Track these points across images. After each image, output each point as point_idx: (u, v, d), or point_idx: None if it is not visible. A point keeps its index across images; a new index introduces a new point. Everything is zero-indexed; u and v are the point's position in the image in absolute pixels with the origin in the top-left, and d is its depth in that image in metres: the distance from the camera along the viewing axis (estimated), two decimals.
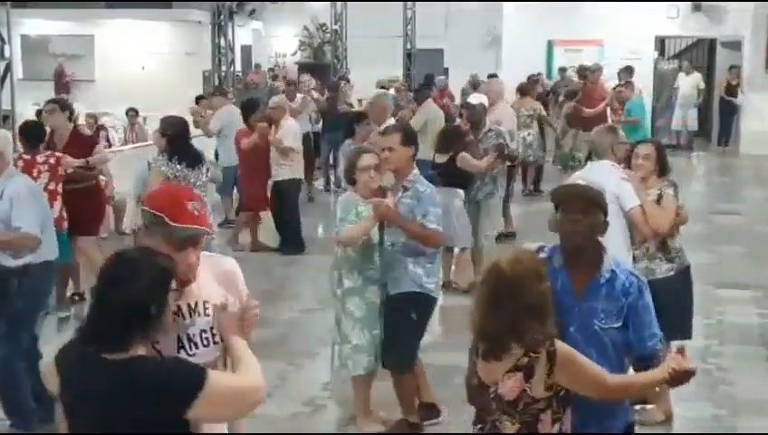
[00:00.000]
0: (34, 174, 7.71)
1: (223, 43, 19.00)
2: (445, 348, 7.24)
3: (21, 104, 16.31)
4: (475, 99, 9.74)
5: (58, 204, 7.91)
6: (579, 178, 5.75)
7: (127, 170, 12.21)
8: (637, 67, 18.95)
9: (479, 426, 3.56)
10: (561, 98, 16.80)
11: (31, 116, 17.95)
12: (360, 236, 5.64)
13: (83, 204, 8.51)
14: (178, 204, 3.18)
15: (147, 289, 2.92)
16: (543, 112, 14.22)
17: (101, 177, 8.91)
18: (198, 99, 15.42)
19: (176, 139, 7.59)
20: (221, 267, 3.44)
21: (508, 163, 10.20)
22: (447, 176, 8.99)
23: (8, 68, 14.13)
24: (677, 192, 6.10)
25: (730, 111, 20.35)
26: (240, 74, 21.52)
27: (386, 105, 9.88)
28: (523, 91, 14.44)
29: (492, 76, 16.57)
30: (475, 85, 14.58)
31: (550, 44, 21.23)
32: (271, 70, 24.54)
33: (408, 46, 21.53)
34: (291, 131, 10.98)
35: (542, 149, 14.52)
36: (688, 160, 19.89)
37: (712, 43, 22.17)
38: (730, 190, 15.90)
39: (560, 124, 15.13)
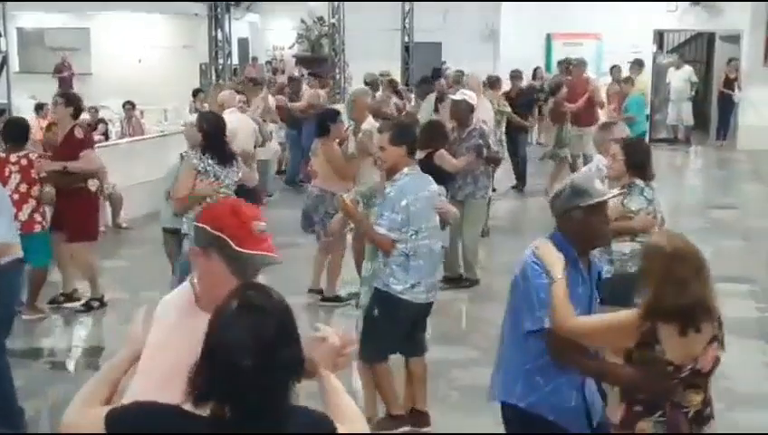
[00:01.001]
0: (6, 174, 7.68)
1: (220, 36, 18.93)
2: (439, 342, 7.23)
3: (17, 98, 16.24)
4: (460, 95, 9.55)
5: (29, 206, 7.79)
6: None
7: (123, 164, 12.22)
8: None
9: (658, 414, 3.62)
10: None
11: (28, 109, 17.93)
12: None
13: (71, 209, 8.34)
14: (243, 224, 2.80)
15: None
16: (508, 109, 14.16)
17: (92, 181, 8.52)
18: (196, 92, 15.41)
19: (211, 134, 7.42)
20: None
21: (492, 165, 9.77)
22: (426, 172, 8.91)
23: (4, 61, 14.06)
24: (635, 195, 5.81)
25: (728, 106, 20.35)
26: (237, 67, 21.47)
27: (365, 104, 9.33)
28: (491, 84, 14.44)
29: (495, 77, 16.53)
30: (457, 81, 14.39)
31: (548, 38, 21.21)
32: (268, 63, 24.50)
33: (406, 40, 21.48)
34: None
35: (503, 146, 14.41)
36: (686, 155, 19.90)
37: (711, 37, 22.17)
38: (727, 185, 15.88)
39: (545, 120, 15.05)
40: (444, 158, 8.59)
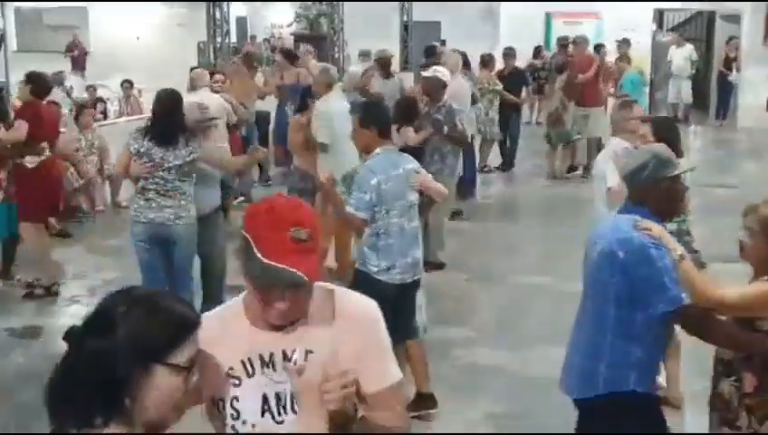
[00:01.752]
0: None
1: (218, 14, 18.88)
2: (438, 323, 7.25)
3: (15, 76, 16.20)
4: (432, 71, 9.50)
5: None
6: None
7: (121, 143, 12.17)
8: (635, 40, 18.93)
9: None
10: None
11: (26, 88, 17.88)
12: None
13: (27, 186, 8.24)
14: (276, 227, 2.32)
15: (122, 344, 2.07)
16: (499, 87, 14.14)
17: (32, 157, 8.25)
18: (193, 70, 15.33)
19: (155, 112, 6.92)
20: (352, 310, 2.54)
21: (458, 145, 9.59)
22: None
23: (2, 39, 14.03)
24: None
25: (728, 85, 20.32)
26: (236, 46, 21.40)
27: (325, 81, 9.17)
28: (484, 63, 14.39)
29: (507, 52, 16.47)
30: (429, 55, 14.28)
31: (548, 17, 21.14)
32: (266, 41, 24.42)
33: (405, 18, 21.38)
34: None
35: (495, 124, 14.36)
36: (685, 133, 19.88)
37: (711, 16, 22.09)
38: (727, 164, 15.87)
39: (557, 99, 14.80)
40: (404, 133, 8.65)
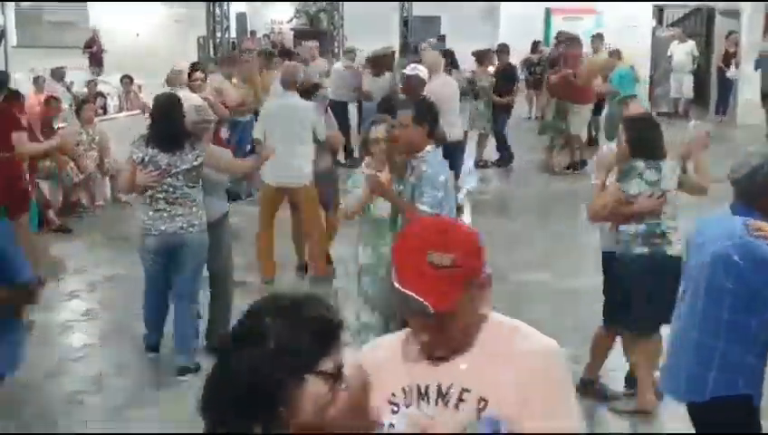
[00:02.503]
0: None
1: (218, 10, 18.91)
2: None
3: (15, 72, 16.23)
4: (412, 69, 9.55)
5: None
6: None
7: (122, 138, 12.19)
8: (635, 36, 18.92)
9: None
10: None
11: (26, 84, 17.90)
12: (353, 208, 5.65)
13: None
14: (416, 250, 2.22)
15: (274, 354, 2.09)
16: (485, 83, 14.15)
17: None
18: (194, 66, 15.33)
19: (154, 118, 6.65)
20: (527, 349, 2.32)
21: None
22: None
23: (2, 35, 14.05)
24: (632, 178, 5.57)
25: (727, 81, 20.31)
26: (235, 41, 21.42)
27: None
28: (479, 59, 14.39)
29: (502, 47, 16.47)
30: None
31: (548, 13, 21.15)
32: (266, 36, 24.43)
33: (405, 14, 21.41)
34: None
35: (486, 120, 14.36)
36: (685, 129, 19.84)
37: (710, 12, 22.09)
38: (726, 159, 15.80)
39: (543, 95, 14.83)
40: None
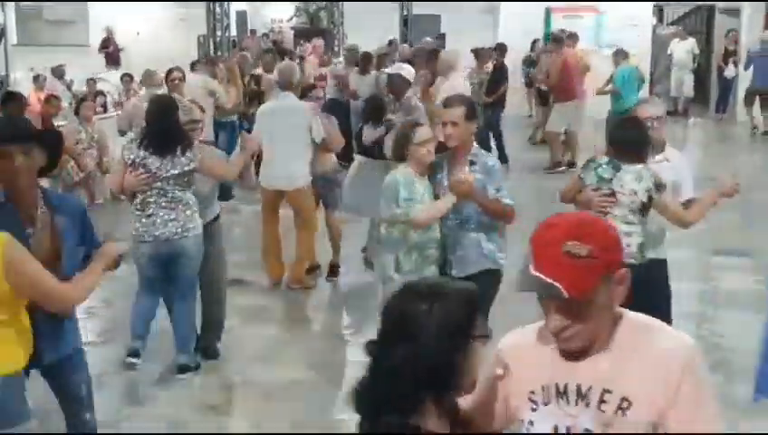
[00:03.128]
0: None
1: (218, 9, 18.91)
2: None
3: (16, 70, 16.24)
4: (397, 68, 9.45)
5: None
6: None
7: (121, 136, 12.19)
8: (635, 34, 18.91)
9: None
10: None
11: (26, 81, 17.92)
12: (438, 217, 5.42)
13: None
14: (553, 241, 2.29)
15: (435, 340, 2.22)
16: (475, 81, 14.10)
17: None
18: (194, 64, 15.32)
19: (148, 120, 6.51)
20: (664, 348, 2.31)
21: None
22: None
23: (2, 33, 14.05)
24: (590, 169, 5.58)
25: (726, 79, 20.31)
26: (235, 40, 21.41)
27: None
28: (477, 55, 14.47)
29: (498, 46, 16.47)
30: (380, 56, 14.12)
31: (548, 11, 21.14)
32: (266, 36, 24.42)
33: (405, 12, 21.40)
34: None
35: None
36: (685, 127, 19.87)
37: (710, 10, 22.09)
38: (726, 157, 15.88)
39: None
40: (363, 131, 8.74)
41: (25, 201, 3.95)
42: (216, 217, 6.83)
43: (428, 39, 17.60)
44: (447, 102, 5.62)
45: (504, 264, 5.50)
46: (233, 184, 6.90)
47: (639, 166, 5.46)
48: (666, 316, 5.57)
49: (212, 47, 18.29)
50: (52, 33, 23.54)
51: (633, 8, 19.85)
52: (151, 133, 6.30)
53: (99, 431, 5.64)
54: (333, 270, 8.86)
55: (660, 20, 22.37)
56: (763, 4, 19.79)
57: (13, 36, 21.27)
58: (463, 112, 5.42)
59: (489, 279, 5.42)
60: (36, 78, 16.36)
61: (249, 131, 12.00)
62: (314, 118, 8.25)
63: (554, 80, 14.41)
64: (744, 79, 19.77)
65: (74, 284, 3.91)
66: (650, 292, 4.90)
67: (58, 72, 18.44)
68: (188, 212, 6.28)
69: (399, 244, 5.52)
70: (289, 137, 8.18)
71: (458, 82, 10.93)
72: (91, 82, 17.07)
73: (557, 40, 15.11)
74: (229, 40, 19.67)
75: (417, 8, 21.52)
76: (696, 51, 20.70)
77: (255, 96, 13.01)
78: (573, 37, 15.37)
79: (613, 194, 5.45)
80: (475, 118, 5.54)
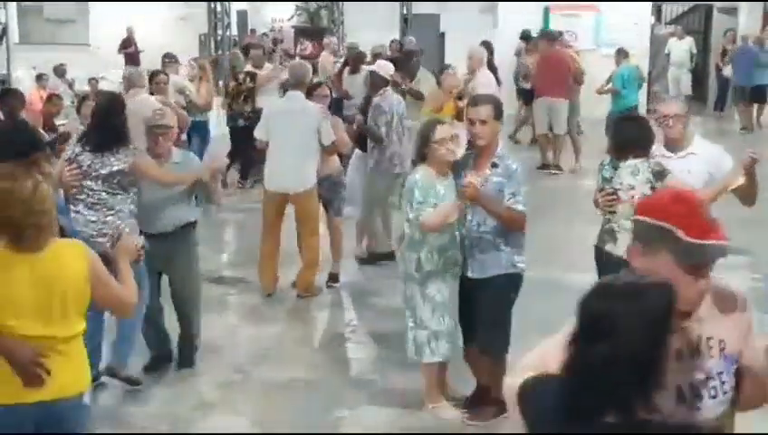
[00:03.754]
0: None
1: (219, 8, 18.96)
2: None
3: (17, 69, 16.28)
4: (376, 66, 9.48)
5: None
6: None
7: None
8: (633, 33, 18.92)
9: None
10: None
11: (27, 79, 17.96)
12: (444, 222, 5.38)
13: None
14: (692, 211, 2.52)
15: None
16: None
17: None
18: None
19: (92, 116, 6.36)
20: (726, 294, 2.76)
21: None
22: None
23: (4, 32, 14.08)
24: (598, 172, 5.80)
25: (723, 78, 20.35)
26: (236, 39, 21.45)
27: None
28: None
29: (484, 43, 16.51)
30: (375, 54, 14.05)
31: (546, 11, 21.15)
32: (265, 35, 24.47)
33: (405, 11, 21.43)
34: None
35: None
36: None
37: (708, 9, 22.13)
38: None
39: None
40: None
41: None
42: (188, 225, 6.52)
43: (410, 39, 17.62)
44: (475, 101, 5.59)
45: (524, 267, 5.53)
46: (199, 201, 6.59)
47: (636, 160, 5.53)
48: None
49: (213, 46, 18.33)
50: (53, 31, 23.57)
51: (632, 7, 19.86)
52: (91, 131, 6.18)
53: (99, 430, 5.70)
54: (334, 277, 8.66)
55: (659, 19, 22.39)
56: (760, 3, 19.81)
57: (14, 35, 21.29)
58: (491, 111, 5.39)
59: (506, 282, 5.47)
60: (39, 77, 16.39)
61: (244, 130, 12.17)
62: (324, 120, 8.05)
63: (532, 80, 14.50)
64: None
65: (123, 287, 3.93)
66: None
67: (59, 71, 18.49)
68: (110, 217, 5.98)
69: (420, 245, 5.52)
70: (299, 139, 7.95)
71: (489, 78, 11.08)
72: (93, 81, 17.12)
73: (525, 38, 15.26)
74: (230, 39, 19.73)
75: (417, 7, 21.54)
76: (694, 50, 20.74)
77: (251, 93, 12.98)
78: (549, 35, 15.27)
79: (615, 193, 5.56)
80: (501, 117, 5.49)
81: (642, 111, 18.51)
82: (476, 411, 5.74)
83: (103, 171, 5.98)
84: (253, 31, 24.19)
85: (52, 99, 11.98)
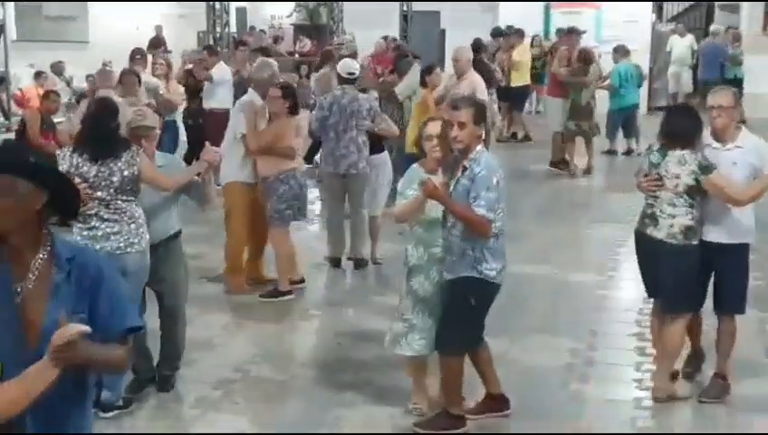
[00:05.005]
0: None
1: (218, 5, 18.92)
2: None
3: (15, 66, 16.25)
4: (341, 64, 9.36)
5: None
6: None
7: None
8: (634, 30, 18.91)
9: None
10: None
11: (25, 77, 17.90)
12: (409, 213, 5.46)
13: None
14: None
15: None
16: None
17: None
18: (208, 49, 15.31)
19: (84, 124, 6.04)
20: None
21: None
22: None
23: (2, 29, 14.02)
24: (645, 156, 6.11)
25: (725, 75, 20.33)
26: (235, 36, 21.39)
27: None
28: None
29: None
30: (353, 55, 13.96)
31: (547, 7, 21.15)
32: (262, 32, 24.40)
33: (405, 8, 21.38)
34: None
35: None
36: None
37: (709, 7, 22.11)
38: None
39: (589, 91, 13.83)
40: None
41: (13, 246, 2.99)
42: (175, 235, 6.19)
43: (389, 36, 17.52)
44: (455, 103, 5.57)
45: (493, 274, 5.37)
46: (193, 201, 6.32)
47: (684, 151, 5.77)
48: (685, 303, 6.02)
49: (212, 44, 18.25)
50: (51, 29, 23.48)
51: (632, 4, 19.84)
52: (86, 139, 5.78)
53: (99, 430, 5.67)
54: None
55: (659, 16, 22.36)
56: (761, 2, 19.80)
57: (12, 32, 21.22)
58: (471, 115, 5.35)
59: (466, 287, 5.37)
60: (38, 74, 16.33)
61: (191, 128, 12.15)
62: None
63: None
64: (744, 74, 19.80)
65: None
66: (683, 275, 5.82)
67: (57, 69, 18.43)
68: (133, 226, 5.71)
69: (410, 237, 5.67)
70: (231, 134, 8.16)
71: (475, 84, 10.64)
72: (92, 78, 17.02)
73: (496, 35, 15.30)
74: (229, 36, 19.68)
75: (417, 4, 21.49)
76: (695, 46, 20.71)
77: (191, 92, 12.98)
78: (576, 31, 15.19)
79: (660, 178, 5.82)
80: (483, 121, 5.42)
81: (643, 109, 18.57)
82: (428, 421, 5.65)
83: (114, 178, 5.62)
84: (252, 28, 24.14)
85: (50, 96, 11.92)
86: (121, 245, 5.62)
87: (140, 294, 5.89)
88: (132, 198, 5.72)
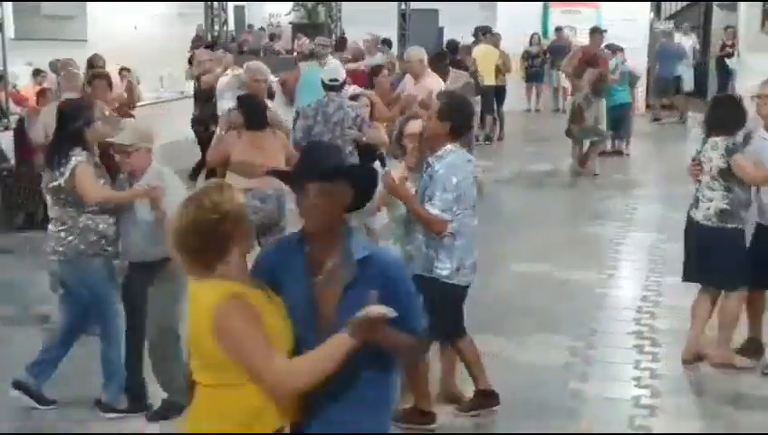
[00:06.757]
0: None
1: (216, 4, 18.91)
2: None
3: (13, 64, 16.21)
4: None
5: None
6: None
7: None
8: (632, 28, 18.93)
9: None
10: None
11: (24, 76, 17.87)
12: (378, 205, 5.56)
13: None
14: None
15: None
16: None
17: None
18: (192, 59, 15.33)
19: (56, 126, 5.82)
20: None
21: None
22: None
23: (0, 28, 13.99)
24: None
25: (726, 73, 20.32)
26: (233, 34, 21.40)
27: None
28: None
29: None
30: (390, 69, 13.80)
31: (545, 5, 21.15)
32: (262, 30, 24.40)
33: (403, 7, 21.37)
34: None
35: None
36: (683, 121, 19.88)
37: (708, 5, 22.10)
38: None
39: (582, 94, 13.71)
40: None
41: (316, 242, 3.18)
42: (162, 260, 5.46)
43: (373, 34, 17.45)
44: (438, 96, 5.74)
45: (445, 274, 5.32)
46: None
47: (718, 138, 6.26)
48: (732, 280, 6.37)
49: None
50: (50, 27, 23.45)
51: (631, 3, 19.85)
52: (50, 143, 5.75)
53: (99, 429, 5.66)
54: None
55: (658, 15, 22.35)
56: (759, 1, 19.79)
57: (10, 30, 21.19)
58: (437, 108, 5.36)
59: (418, 284, 5.25)
60: (37, 72, 16.31)
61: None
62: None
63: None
64: (741, 72, 19.81)
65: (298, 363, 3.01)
66: (722, 255, 6.24)
67: (54, 67, 18.41)
68: (62, 233, 5.55)
69: (391, 233, 5.79)
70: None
71: (432, 81, 9.99)
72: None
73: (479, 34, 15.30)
74: (227, 35, 19.68)
75: (416, 3, 21.48)
76: (697, 46, 20.72)
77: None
78: (599, 30, 15.19)
79: (700, 164, 6.33)
80: (450, 119, 5.31)
81: (642, 108, 18.59)
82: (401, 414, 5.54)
83: (51, 184, 5.52)
84: (250, 26, 24.14)
85: (46, 93, 11.93)
86: (48, 249, 5.63)
87: (83, 311, 5.92)
88: (67, 206, 5.52)
